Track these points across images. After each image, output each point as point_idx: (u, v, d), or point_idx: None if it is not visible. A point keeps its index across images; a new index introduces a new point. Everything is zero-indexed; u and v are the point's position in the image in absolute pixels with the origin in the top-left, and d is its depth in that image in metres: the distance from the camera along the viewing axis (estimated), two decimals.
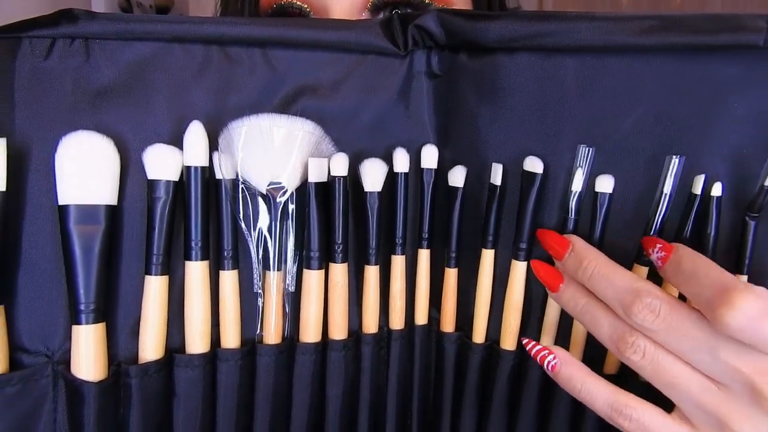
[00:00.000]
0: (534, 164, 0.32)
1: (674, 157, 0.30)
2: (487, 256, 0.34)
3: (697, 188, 0.30)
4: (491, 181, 0.33)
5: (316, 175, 0.32)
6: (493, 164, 0.33)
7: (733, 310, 0.22)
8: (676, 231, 0.31)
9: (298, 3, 0.38)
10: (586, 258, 0.28)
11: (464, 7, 0.45)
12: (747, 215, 0.30)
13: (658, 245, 0.27)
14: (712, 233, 0.30)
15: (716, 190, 0.30)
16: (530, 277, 0.33)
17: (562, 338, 0.33)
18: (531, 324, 0.34)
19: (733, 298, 0.22)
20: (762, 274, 0.30)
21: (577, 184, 0.31)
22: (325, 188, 0.32)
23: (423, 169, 0.34)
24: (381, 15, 0.40)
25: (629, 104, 0.30)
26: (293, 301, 0.33)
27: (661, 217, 0.30)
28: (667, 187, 0.30)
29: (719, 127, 0.30)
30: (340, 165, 0.32)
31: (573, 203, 0.32)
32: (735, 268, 0.30)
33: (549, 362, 0.29)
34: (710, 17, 0.28)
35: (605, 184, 0.31)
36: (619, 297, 0.26)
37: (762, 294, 0.22)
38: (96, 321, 0.29)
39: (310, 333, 0.33)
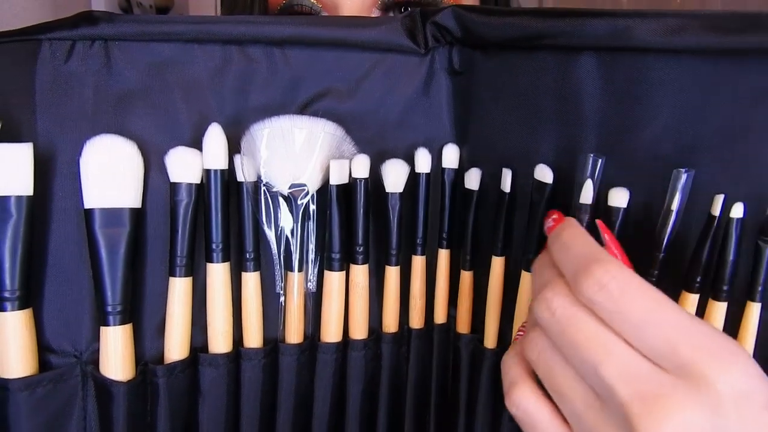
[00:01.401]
0: (544, 173, 0.30)
1: (682, 170, 0.27)
2: (497, 263, 0.33)
3: (716, 209, 0.27)
4: (501, 188, 0.32)
5: (338, 177, 0.32)
6: (503, 170, 0.32)
7: (591, 279, 0.21)
8: (693, 255, 0.28)
9: (309, 0, 0.38)
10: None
11: (471, 2, 0.44)
12: (759, 239, 0.27)
13: (553, 216, 0.26)
14: (731, 258, 0.27)
15: (737, 211, 0.27)
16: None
17: None
18: None
19: (593, 268, 0.21)
20: None
21: (586, 196, 0.28)
22: (347, 190, 0.32)
23: (444, 168, 0.34)
24: (391, 12, 0.40)
25: (651, 107, 0.28)
26: (314, 300, 0.33)
27: (668, 234, 0.28)
28: (675, 203, 0.27)
29: (745, 141, 0.27)
30: (361, 167, 0.32)
31: (583, 216, 0.29)
32: (747, 296, 0.28)
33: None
34: (741, 16, 0.25)
35: (619, 197, 0.28)
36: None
37: (622, 268, 0.21)
38: (123, 322, 0.29)
39: (331, 333, 0.33)
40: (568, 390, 0.22)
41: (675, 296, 0.28)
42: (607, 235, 0.26)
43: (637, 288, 0.21)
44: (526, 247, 0.32)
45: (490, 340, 0.34)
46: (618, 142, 0.29)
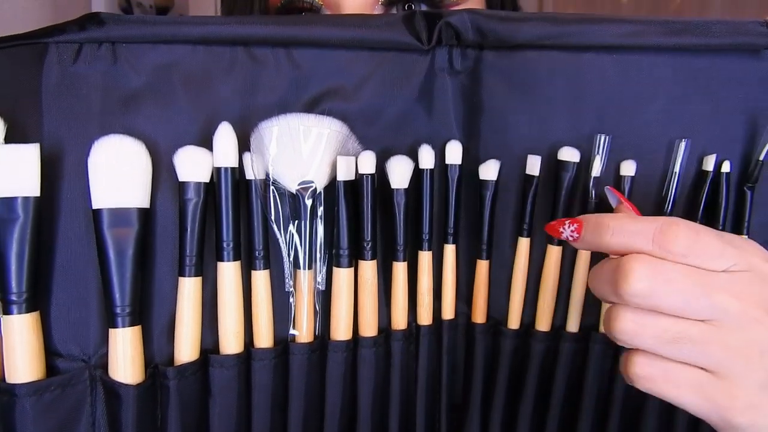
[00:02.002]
0: (571, 154, 0.34)
1: (682, 140, 0.34)
2: (523, 244, 0.35)
3: (709, 166, 0.34)
4: (528, 172, 0.35)
5: (345, 173, 0.32)
6: (530, 156, 0.34)
7: (671, 236, 0.24)
8: (690, 204, 0.35)
9: None
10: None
11: (477, 4, 0.45)
12: (745, 186, 0.35)
13: (567, 221, 0.28)
14: (723, 204, 0.34)
15: (726, 167, 0.34)
16: (564, 262, 0.35)
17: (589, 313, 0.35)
18: (561, 307, 0.36)
19: (666, 229, 0.25)
20: (761, 234, 0.35)
21: (596, 169, 0.34)
22: (354, 186, 0.33)
23: (448, 165, 0.35)
24: (394, 9, 0.41)
25: (649, 97, 0.33)
26: (323, 299, 0.33)
27: (673, 194, 0.34)
28: (677, 167, 0.34)
29: (728, 114, 0.34)
30: (368, 163, 0.32)
31: (592, 188, 0.34)
32: (736, 231, 0.35)
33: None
34: (723, 22, 0.32)
35: (628, 168, 0.34)
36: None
37: (677, 221, 0.25)
38: (132, 324, 0.29)
39: (341, 331, 0.33)
40: (685, 332, 0.24)
41: None
42: (618, 195, 0.31)
43: (698, 229, 0.25)
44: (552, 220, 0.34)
45: (515, 321, 0.36)
46: (623, 128, 0.34)
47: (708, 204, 0.34)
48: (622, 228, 0.25)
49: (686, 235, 0.24)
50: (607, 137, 0.33)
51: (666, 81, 0.33)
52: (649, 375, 0.26)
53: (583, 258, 0.35)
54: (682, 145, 0.33)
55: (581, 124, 0.34)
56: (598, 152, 0.33)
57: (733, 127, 0.34)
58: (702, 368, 0.25)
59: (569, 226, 0.28)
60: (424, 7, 0.41)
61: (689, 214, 0.35)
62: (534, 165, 0.34)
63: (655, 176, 0.34)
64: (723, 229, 0.35)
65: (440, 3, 0.41)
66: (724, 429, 0.25)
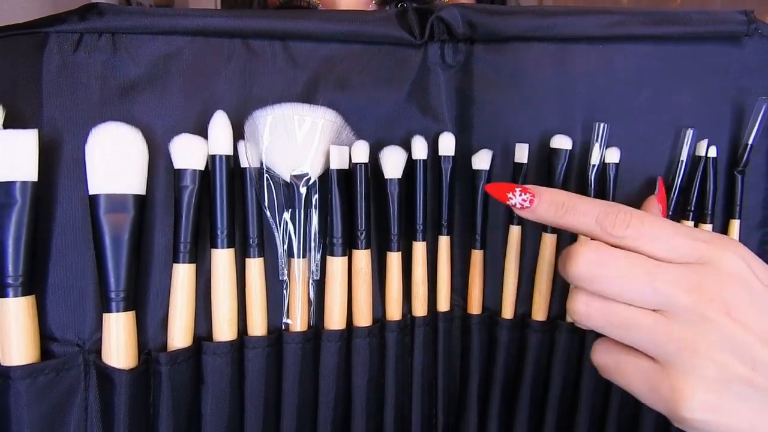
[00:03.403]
0: (562, 141, 0.34)
1: (689, 129, 0.34)
2: (515, 233, 0.35)
3: (702, 151, 0.35)
4: (516, 160, 0.35)
5: (338, 162, 0.32)
6: (518, 144, 0.35)
7: (617, 220, 0.25)
8: (683, 189, 0.35)
9: None
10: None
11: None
12: (736, 171, 0.35)
13: (517, 189, 0.28)
14: (711, 189, 0.35)
15: (712, 152, 0.35)
16: (559, 252, 0.35)
17: None
18: (557, 297, 0.36)
19: (614, 212, 0.25)
20: (750, 218, 0.36)
21: (596, 157, 0.34)
22: (347, 175, 0.33)
23: (441, 156, 0.35)
24: (388, 7, 0.42)
25: (637, 85, 0.34)
26: (318, 288, 0.33)
27: (679, 181, 0.35)
28: (684, 155, 0.34)
29: (714, 101, 0.35)
30: (361, 152, 0.32)
31: (592, 175, 0.34)
32: (728, 214, 0.36)
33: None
34: (703, 12, 0.34)
35: (612, 155, 0.35)
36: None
37: (631, 209, 0.25)
38: (126, 309, 0.29)
39: (334, 320, 0.33)
40: (633, 320, 0.24)
41: None
42: (659, 189, 0.34)
43: (649, 216, 0.25)
44: None
45: (508, 311, 0.36)
46: (612, 116, 0.34)
47: (699, 190, 0.35)
48: (573, 206, 0.26)
49: (627, 220, 0.25)
50: (605, 125, 0.34)
51: (651, 70, 0.34)
52: (605, 364, 0.26)
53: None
54: (689, 133, 0.34)
55: (571, 113, 0.34)
56: (596, 140, 0.34)
57: (719, 113, 0.35)
58: (652, 358, 0.25)
59: (520, 194, 0.27)
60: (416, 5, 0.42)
61: (681, 201, 0.35)
62: (522, 153, 0.35)
63: (643, 164, 0.35)
64: (713, 215, 0.35)
65: (431, 0, 0.42)
66: (676, 423, 0.25)
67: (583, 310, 0.25)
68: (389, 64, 0.34)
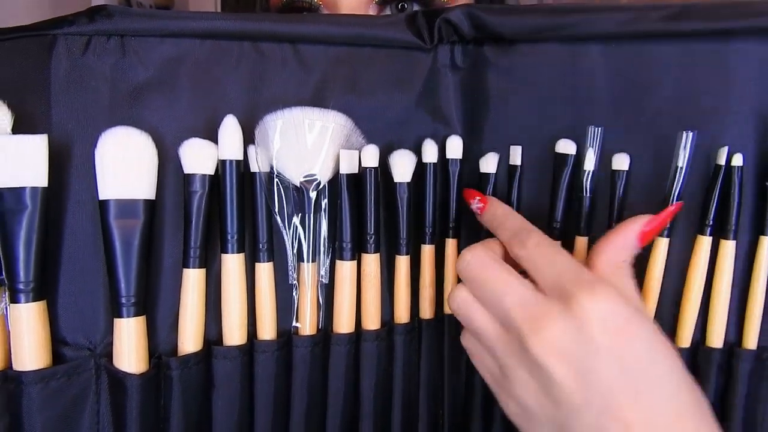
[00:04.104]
0: (567, 146, 0.33)
1: (686, 132, 0.31)
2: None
3: (721, 159, 0.31)
4: (510, 162, 0.35)
5: (348, 167, 0.32)
6: (512, 147, 0.34)
7: (525, 238, 0.28)
8: (704, 202, 0.32)
9: None
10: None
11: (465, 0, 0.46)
12: (767, 182, 0.32)
13: (477, 197, 0.32)
14: (736, 201, 0.31)
15: (737, 160, 0.31)
16: None
17: None
18: None
19: (527, 232, 0.28)
20: None
21: (589, 163, 0.33)
22: (357, 179, 0.33)
23: (449, 159, 0.35)
24: (387, 9, 0.41)
25: (653, 88, 0.32)
26: (327, 292, 0.34)
27: (677, 191, 0.32)
28: (681, 161, 0.31)
29: (739, 104, 0.32)
30: (371, 156, 0.32)
31: (587, 182, 0.33)
32: (758, 230, 0.32)
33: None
34: (727, 5, 0.30)
35: (621, 162, 0.33)
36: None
37: (540, 233, 0.28)
38: (137, 314, 0.29)
39: (343, 323, 0.33)
40: (483, 326, 0.27)
41: (689, 242, 0.33)
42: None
43: (547, 246, 0.27)
44: (551, 216, 0.34)
45: None
46: (626, 120, 0.33)
47: (721, 201, 0.32)
48: (502, 221, 0.30)
49: (524, 242, 0.27)
50: (599, 129, 0.32)
51: (671, 70, 0.32)
52: (469, 350, 0.30)
53: (580, 247, 0.34)
54: (687, 136, 0.31)
55: (584, 117, 0.33)
56: (591, 145, 0.32)
57: (747, 118, 0.32)
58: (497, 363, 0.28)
59: (478, 202, 0.31)
60: (416, 7, 0.41)
61: (699, 213, 0.32)
62: (515, 155, 0.34)
63: (662, 172, 0.32)
64: (736, 230, 0.32)
65: (432, 2, 0.42)
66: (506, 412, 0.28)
67: (455, 305, 0.29)
68: (399, 68, 0.34)
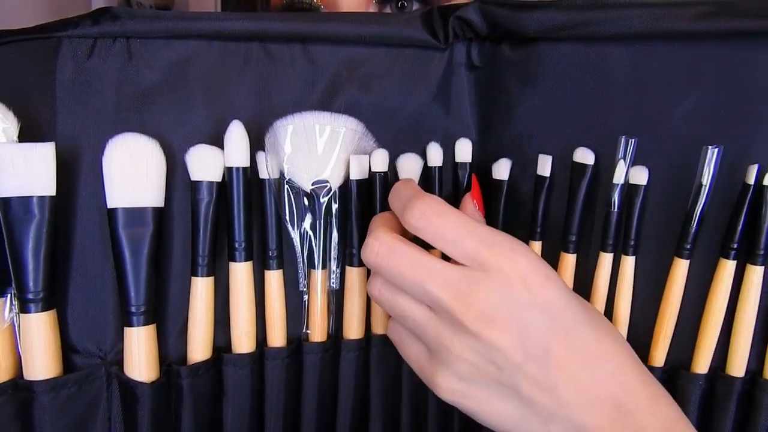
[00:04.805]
0: (585, 155, 0.31)
1: (711, 147, 0.29)
2: (535, 248, 0.33)
3: (751, 178, 0.29)
4: (539, 173, 0.32)
5: (358, 172, 0.32)
6: (540, 156, 0.32)
7: (414, 210, 0.26)
8: (729, 223, 0.30)
9: None
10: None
11: None
12: None
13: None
14: (766, 224, 0.29)
15: None
16: (580, 270, 0.33)
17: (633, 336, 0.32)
18: None
19: (414, 202, 0.26)
20: None
21: (619, 176, 0.30)
22: (368, 185, 0.32)
23: (458, 163, 0.34)
24: (387, 8, 0.40)
25: (681, 93, 0.30)
26: (337, 298, 0.33)
27: (700, 208, 0.30)
28: (705, 178, 0.29)
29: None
30: (380, 161, 0.32)
31: (615, 197, 0.31)
32: None
33: None
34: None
35: (639, 175, 0.30)
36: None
37: (436, 200, 0.26)
38: (147, 323, 0.29)
39: (353, 329, 0.33)
40: (409, 312, 0.27)
41: (711, 265, 0.31)
42: (473, 182, 0.32)
43: (449, 211, 0.26)
44: (566, 229, 0.32)
45: None
46: (650, 128, 0.30)
47: (748, 222, 0.29)
48: (396, 193, 0.28)
49: (422, 211, 0.26)
50: (633, 140, 0.30)
51: (698, 74, 0.29)
52: (393, 338, 0.29)
53: (603, 267, 0.32)
54: (712, 152, 0.29)
55: (601, 122, 0.31)
56: (622, 156, 0.30)
57: None
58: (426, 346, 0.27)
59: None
60: (416, 5, 0.40)
61: (724, 234, 0.30)
62: (545, 165, 0.32)
63: (684, 186, 0.30)
64: (765, 255, 0.29)
65: (431, 1, 0.40)
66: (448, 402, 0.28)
67: (375, 294, 0.28)
68: (414, 67, 0.33)
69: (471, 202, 0.31)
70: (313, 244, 0.32)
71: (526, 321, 0.25)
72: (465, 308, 0.24)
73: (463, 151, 0.34)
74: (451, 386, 0.26)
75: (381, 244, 0.26)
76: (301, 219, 0.32)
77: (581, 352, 0.25)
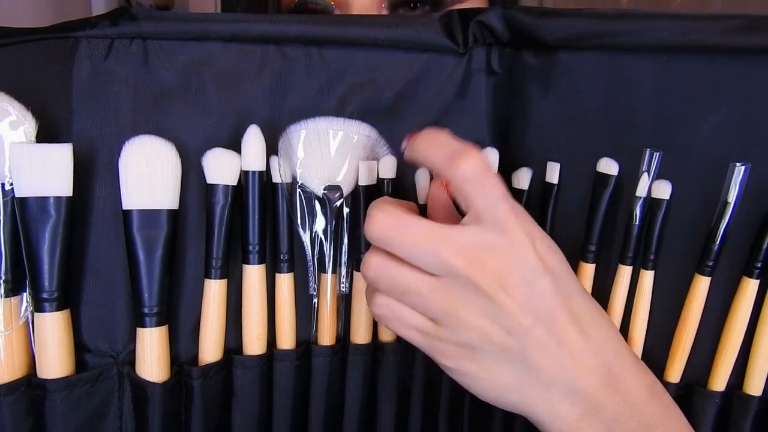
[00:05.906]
0: (609, 166, 0.31)
1: (738, 164, 0.29)
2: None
3: None
4: (547, 180, 0.32)
5: (367, 178, 0.32)
6: (549, 163, 0.32)
7: (468, 161, 0.25)
8: (754, 242, 0.29)
9: None
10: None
11: (478, 3, 0.43)
12: None
13: (407, 140, 0.28)
14: None
15: None
16: (598, 282, 0.32)
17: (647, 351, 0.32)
18: None
19: (468, 154, 0.25)
20: None
21: (642, 189, 0.30)
22: (378, 190, 0.32)
23: None
24: (400, 10, 0.39)
25: (707, 107, 0.29)
26: (347, 302, 0.33)
27: (724, 226, 0.29)
28: (731, 197, 0.29)
29: None
30: (388, 168, 0.32)
31: (637, 210, 0.30)
32: None
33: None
34: None
35: (663, 190, 0.30)
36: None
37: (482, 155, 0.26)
38: (159, 324, 0.29)
39: (361, 334, 0.33)
40: (413, 284, 0.26)
41: (734, 283, 0.30)
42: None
43: (485, 167, 0.25)
44: (587, 239, 0.32)
45: None
46: (675, 142, 0.30)
47: None
48: (434, 142, 0.27)
49: (473, 166, 0.25)
50: (658, 153, 0.29)
51: (726, 90, 0.29)
52: (385, 315, 0.27)
53: (622, 279, 0.31)
54: (739, 170, 0.28)
55: (623, 134, 0.31)
56: (645, 169, 0.30)
57: None
58: (429, 317, 0.26)
59: (404, 142, 0.28)
60: (427, 8, 0.39)
61: (748, 252, 0.30)
62: (553, 172, 0.32)
63: (706, 202, 0.30)
64: None
65: (443, 4, 0.40)
66: (445, 371, 0.28)
67: (371, 275, 0.26)
68: (430, 71, 0.32)
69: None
70: (324, 248, 0.32)
71: (536, 285, 0.25)
72: (481, 272, 0.24)
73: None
74: (455, 354, 0.26)
75: (388, 215, 0.25)
76: (313, 223, 0.32)
77: (580, 318, 0.26)
